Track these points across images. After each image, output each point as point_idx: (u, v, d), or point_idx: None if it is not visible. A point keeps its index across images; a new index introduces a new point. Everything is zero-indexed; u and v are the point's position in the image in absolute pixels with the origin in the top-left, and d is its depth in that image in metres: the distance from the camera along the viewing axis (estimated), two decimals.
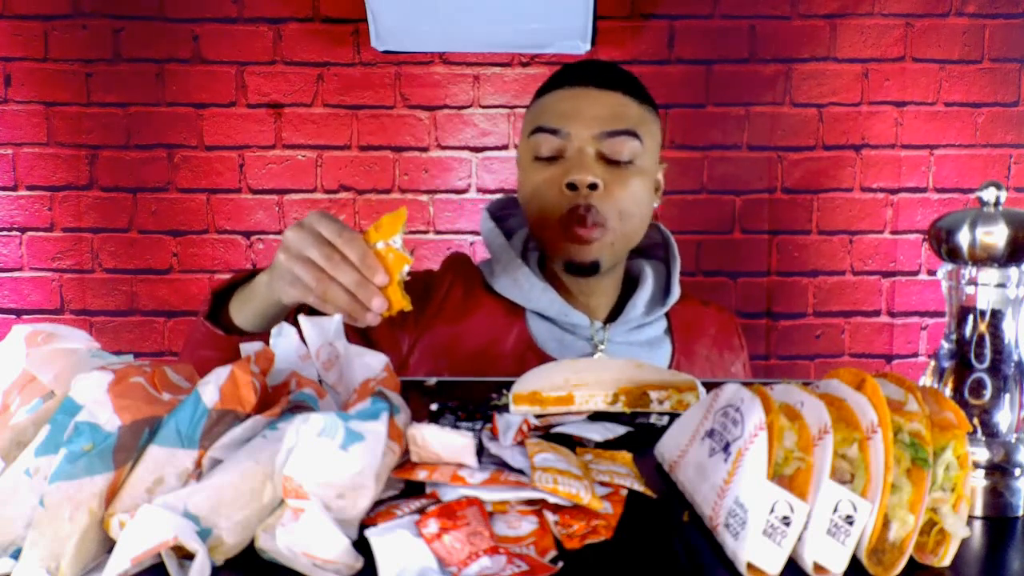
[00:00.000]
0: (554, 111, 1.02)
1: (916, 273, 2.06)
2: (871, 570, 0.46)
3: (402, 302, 0.73)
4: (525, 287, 1.05)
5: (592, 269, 1.03)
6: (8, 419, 0.52)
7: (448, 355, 1.03)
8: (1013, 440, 0.56)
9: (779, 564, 0.45)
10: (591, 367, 0.78)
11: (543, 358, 1.02)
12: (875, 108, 2.02)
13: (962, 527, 0.48)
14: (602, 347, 1.05)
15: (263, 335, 0.81)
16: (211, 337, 0.86)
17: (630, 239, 1.05)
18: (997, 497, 0.55)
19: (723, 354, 1.14)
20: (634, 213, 1.03)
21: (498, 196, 1.17)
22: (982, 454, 0.56)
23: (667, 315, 1.13)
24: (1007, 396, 0.57)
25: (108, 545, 0.46)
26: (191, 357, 0.88)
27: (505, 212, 1.16)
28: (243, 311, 0.87)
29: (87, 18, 1.95)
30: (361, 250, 0.72)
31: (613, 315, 1.10)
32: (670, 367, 1.08)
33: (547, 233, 1.03)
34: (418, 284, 1.07)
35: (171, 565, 0.44)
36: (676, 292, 1.11)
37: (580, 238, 1.00)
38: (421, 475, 0.53)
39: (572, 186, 0.99)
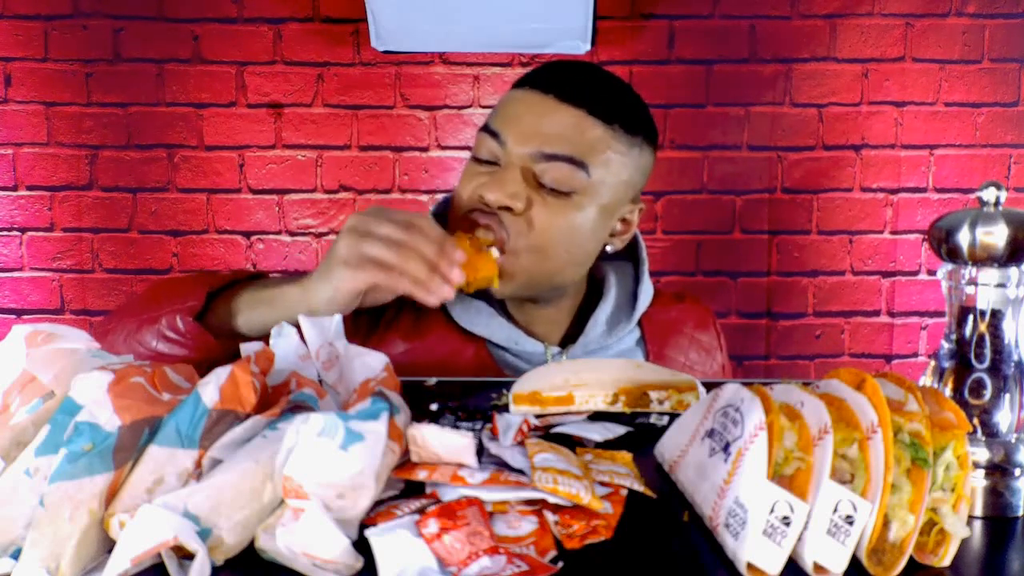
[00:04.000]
0: (503, 112, 0.91)
1: (916, 273, 2.06)
2: (871, 570, 0.46)
3: (491, 269, 0.77)
4: (472, 311, 0.95)
5: (484, 294, 0.92)
6: (8, 419, 0.52)
7: (405, 370, 0.96)
8: (1013, 440, 0.56)
9: (779, 564, 0.45)
10: (591, 367, 0.78)
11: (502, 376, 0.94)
12: (875, 108, 2.02)
13: (962, 527, 0.48)
14: (583, 358, 0.97)
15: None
16: (195, 338, 0.79)
17: (544, 278, 0.91)
18: (997, 497, 0.55)
19: (700, 354, 1.06)
20: (557, 253, 0.89)
21: (441, 196, 1.08)
22: (982, 454, 0.56)
23: (639, 321, 1.03)
24: (1007, 396, 0.57)
25: (108, 545, 0.46)
26: (135, 346, 0.81)
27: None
28: (255, 316, 0.80)
29: (87, 18, 1.95)
30: (439, 229, 0.73)
31: (575, 334, 0.99)
32: None
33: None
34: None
35: (171, 565, 0.44)
36: (646, 297, 1.01)
37: None
38: (421, 475, 0.53)
39: (484, 200, 0.87)
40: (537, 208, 0.87)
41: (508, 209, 0.86)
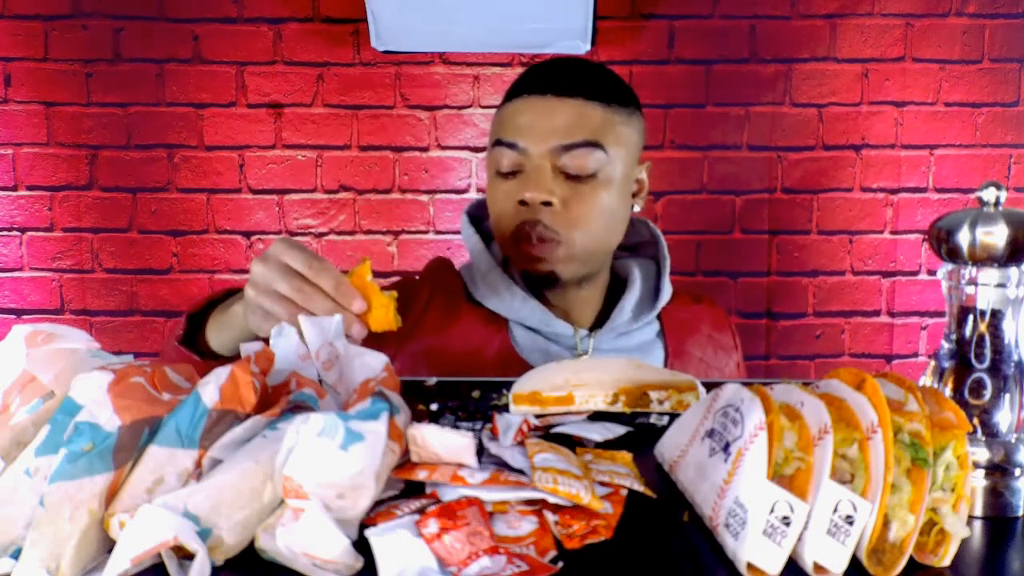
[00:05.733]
0: (512, 124, 0.99)
1: (916, 273, 2.06)
2: (871, 570, 0.46)
3: (391, 323, 0.72)
4: (506, 297, 1.03)
5: (550, 281, 1.01)
6: (8, 419, 0.52)
7: (429, 365, 1.01)
8: (1013, 440, 0.56)
9: (779, 564, 0.45)
10: (591, 367, 0.78)
11: (525, 369, 0.98)
12: (875, 108, 2.02)
13: (962, 527, 0.48)
14: (585, 357, 1.02)
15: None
16: (187, 361, 0.83)
17: (597, 251, 1.02)
18: (997, 497, 0.55)
19: (717, 353, 1.12)
20: (597, 227, 0.99)
21: (477, 197, 1.14)
22: (982, 454, 0.56)
23: (659, 316, 1.10)
24: (1007, 396, 0.57)
25: (108, 545, 0.46)
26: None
27: (481, 213, 1.14)
28: (221, 338, 0.84)
29: (87, 18, 1.95)
30: (334, 278, 0.70)
31: (601, 320, 1.07)
32: None
33: (504, 246, 1.03)
34: (399, 294, 1.03)
35: (171, 565, 0.44)
36: (667, 292, 1.08)
37: (530, 255, 0.98)
38: (421, 475, 0.53)
39: (524, 202, 0.97)
40: (572, 199, 0.97)
41: (547, 205, 0.96)
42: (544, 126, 0.96)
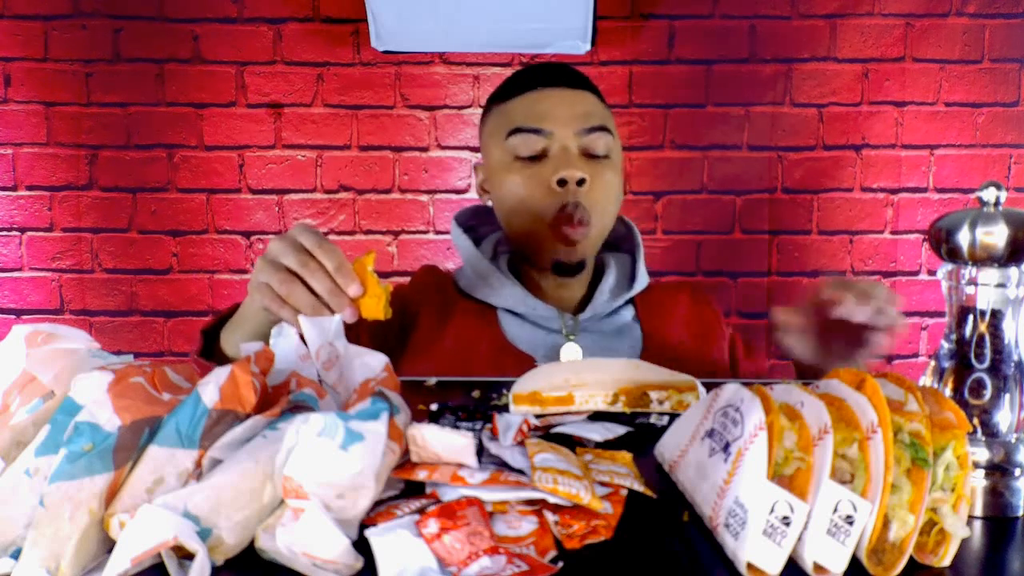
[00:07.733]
0: (531, 112, 1.05)
1: (916, 273, 2.06)
2: (871, 570, 0.46)
3: (380, 313, 0.73)
4: (495, 286, 1.09)
5: (578, 268, 1.09)
6: (8, 419, 0.52)
7: (427, 361, 1.05)
8: (1013, 440, 0.56)
9: (779, 564, 0.45)
10: (591, 367, 0.78)
11: (517, 356, 1.04)
12: (875, 108, 2.01)
13: (962, 527, 0.48)
14: (572, 337, 1.07)
15: None
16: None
17: (606, 232, 1.11)
18: (997, 497, 0.55)
19: (702, 326, 1.15)
20: (611, 206, 1.08)
21: (464, 207, 1.22)
22: (982, 454, 0.56)
23: (635, 304, 1.15)
24: (1007, 396, 0.57)
25: (108, 545, 0.46)
26: None
27: (473, 222, 1.20)
28: (232, 339, 0.86)
29: (87, 18, 1.95)
30: (338, 260, 0.72)
31: (583, 305, 1.13)
32: (641, 353, 1.08)
33: (536, 233, 1.06)
34: (392, 303, 1.06)
35: (171, 565, 0.44)
36: (643, 278, 1.15)
37: (568, 238, 1.03)
38: (421, 475, 0.53)
39: (562, 182, 1.02)
40: (594, 176, 1.04)
41: (581, 184, 1.02)
42: (565, 112, 1.05)
